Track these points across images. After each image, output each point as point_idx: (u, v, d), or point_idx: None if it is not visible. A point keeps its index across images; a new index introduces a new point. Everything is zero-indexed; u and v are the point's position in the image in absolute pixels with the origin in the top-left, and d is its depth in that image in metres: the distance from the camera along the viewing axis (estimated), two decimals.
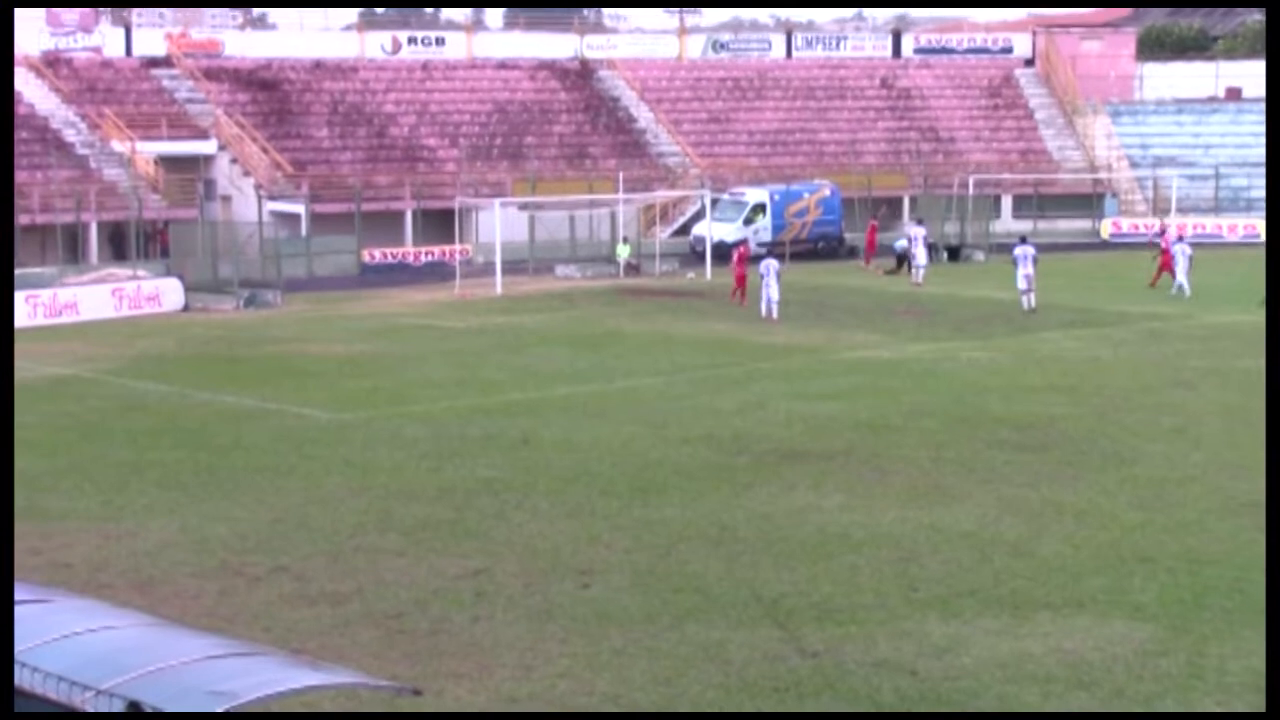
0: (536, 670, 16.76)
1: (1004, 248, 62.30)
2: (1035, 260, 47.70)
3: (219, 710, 11.14)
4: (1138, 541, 21.33)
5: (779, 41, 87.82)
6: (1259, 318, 45.23)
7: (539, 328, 45.14)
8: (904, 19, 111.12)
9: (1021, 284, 47.55)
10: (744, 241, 58.44)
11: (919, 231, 57.75)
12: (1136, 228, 76.18)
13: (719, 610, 18.57)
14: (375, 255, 62.18)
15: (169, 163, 64.63)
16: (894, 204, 75.35)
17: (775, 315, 45.94)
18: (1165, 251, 53.45)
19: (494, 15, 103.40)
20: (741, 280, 50.30)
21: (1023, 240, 50.34)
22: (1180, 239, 49.60)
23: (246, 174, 66.36)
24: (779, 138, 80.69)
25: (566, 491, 24.51)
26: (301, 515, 23.31)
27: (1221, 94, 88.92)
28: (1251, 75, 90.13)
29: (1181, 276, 50.54)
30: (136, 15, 77.60)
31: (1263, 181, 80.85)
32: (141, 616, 14.18)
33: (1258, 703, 15.51)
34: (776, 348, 40.16)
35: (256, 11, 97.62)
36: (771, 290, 46.50)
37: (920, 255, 56.76)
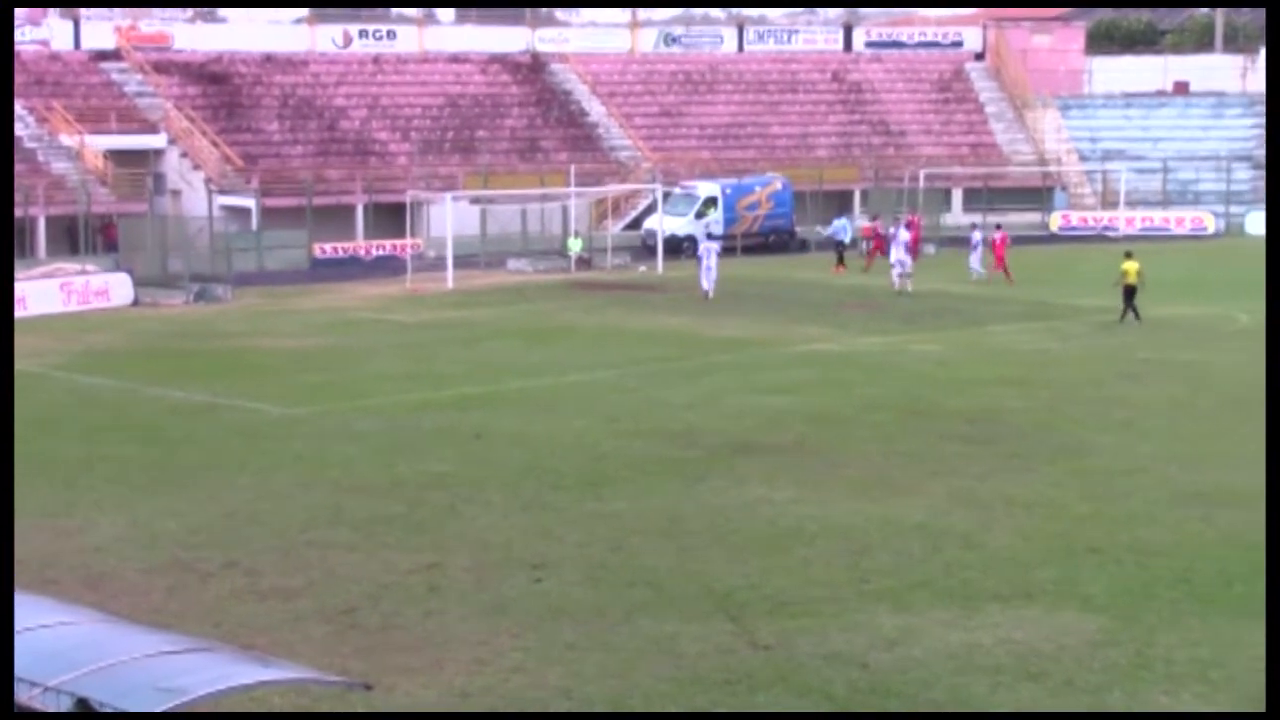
0: (488, 665, 16.76)
1: (955, 240, 62.63)
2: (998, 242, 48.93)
3: (168, 707, 11.10)
4: (1087, 533, 21.46)
5: (730, 35, 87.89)
6: (1203, 310, 45.56)
7: (491, 322, 45.10)
8: (855, 13, 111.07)
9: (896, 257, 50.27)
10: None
11: (981, 234, 54.64)
12: (1085, 221, 76.62)
13: (671, 604, 18.60)
14: (326, 249, 61.94)
15: (118, 156, 64.22)
16: (845, 197, 75.47)
17: (711, 293, 48.64)
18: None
19: (445, 9, 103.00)
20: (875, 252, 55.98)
21: (974, 227, 51.24)
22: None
23: (196, 168, 66.00)
24: (730, 131, 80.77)
25: (519, 485, 24.51)
26: (252, 510, 23.24)
27: (1169, 88, 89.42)
28: (1198, 69, 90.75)
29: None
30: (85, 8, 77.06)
31: (1211, 175, 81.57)
32: (91, 613, 14.12)
33: (1205, 693, 15.64)
34: (728, 341, 40.22)
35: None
36: (710, 271, 49.08)
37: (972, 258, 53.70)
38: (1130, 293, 43.46)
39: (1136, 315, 43.07)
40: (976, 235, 54.55)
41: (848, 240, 60.87)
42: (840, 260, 59.22)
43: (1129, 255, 44.63)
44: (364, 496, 23.98)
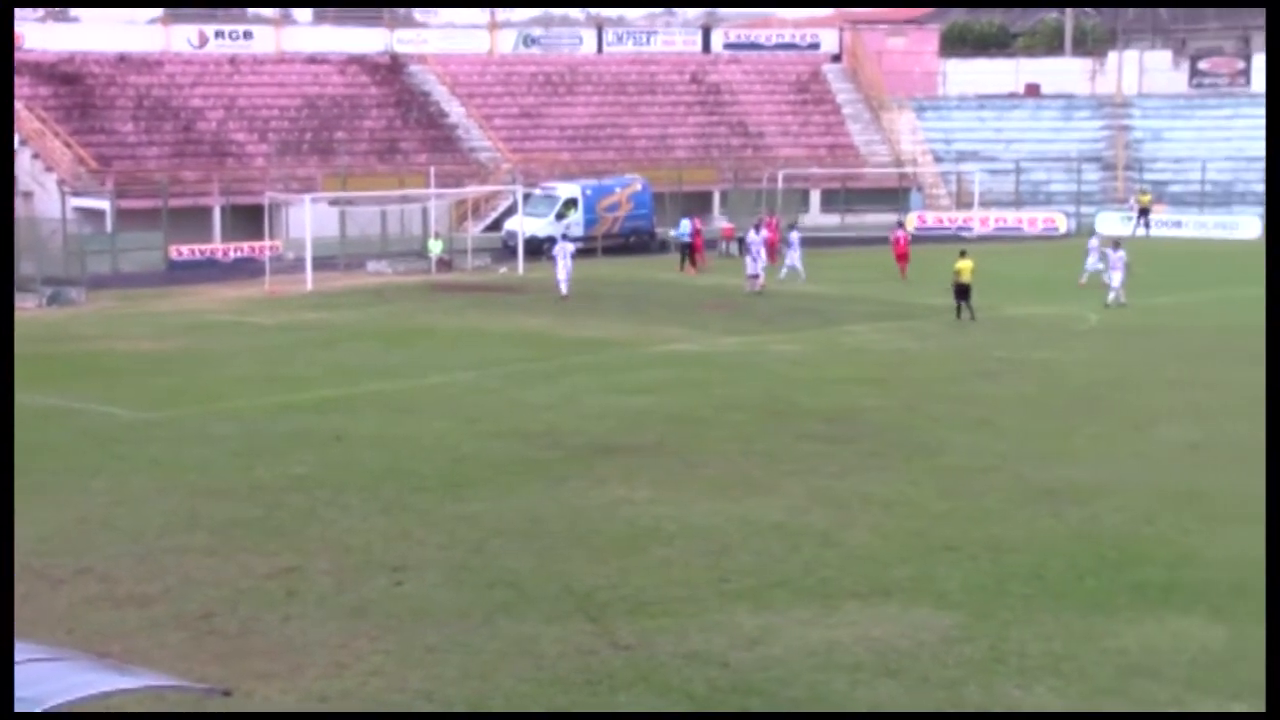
0: (348, 668, 16.68)
1: (812, 242, 63.09)
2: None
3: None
4: (943, 530, 21.74)
5: (590, 36, 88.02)
6: (1055, 309, 46.32)
7: (350, 324, 44.83)
8: (713, 15, 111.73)
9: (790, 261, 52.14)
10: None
11: (1119, 255, 48.81)
12: (941, 221, 77.55)
13: (531, 605, 18.62)
14: (183, 252, 61.24)
15: None
16: (704, 198, 75.84)
17: (566, 291, 49.63)
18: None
19: (303, 9, 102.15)
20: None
21: (791, 227, 52.63)
22: (1117, 246, 49.13)
23: (49, 169, 64.97)
24: (590, 132, 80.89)
25: (378, 488, 24.40)
26: (107, 515, 22.94)
27: (1021, 90, 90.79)
28: (1049, 72, 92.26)
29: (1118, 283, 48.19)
30: None
31: (1062, 176, 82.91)
32: None
33: (1058, 686, 15.90)
34: (588, 342, 40.29)
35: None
36: (564, 271, 50.10)
37: (1115, 278, 48.30)
38: (964, 291, 44.33)
39: (971, 314, 43.81)
40: (1093, 241, 55.42)
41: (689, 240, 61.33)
42: (686, 261, 59.52)
43: (963, 254, 45.52)
44: (221, 500, 23.75)
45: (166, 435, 28.76)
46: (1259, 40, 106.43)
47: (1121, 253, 47.95)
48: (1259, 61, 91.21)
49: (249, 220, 63.16)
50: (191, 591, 19.33)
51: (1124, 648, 16.89)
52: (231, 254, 62.15)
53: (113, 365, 37.42)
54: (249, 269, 58.74)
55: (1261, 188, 79.42)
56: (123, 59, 73.90)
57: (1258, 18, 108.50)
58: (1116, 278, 47.52)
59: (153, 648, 17.31)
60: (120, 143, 69.73)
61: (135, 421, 30.10)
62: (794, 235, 56.59)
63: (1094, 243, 54.99)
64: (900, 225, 61.95)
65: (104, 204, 62.86)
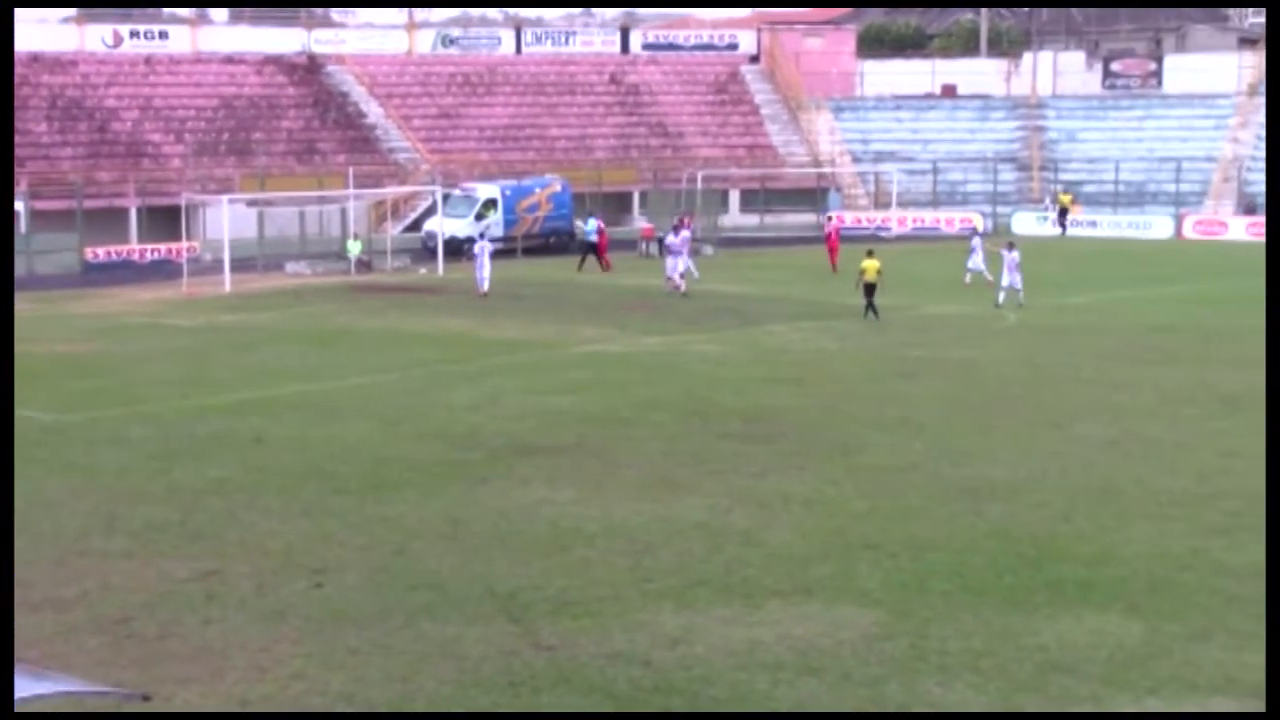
0: (269, 672, 16.59)
1: (732, 242, 63.36)
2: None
3: None
4: (863, 528, 21.84)
5: (508, 37, 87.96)
6: (973, 308, 46.65)
7: (269, 325, 44.58)
8: (632, 15, 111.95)
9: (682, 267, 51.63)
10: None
11: (1012, 256, 48.41)
12: (859, 221, 77.95)
13: (453, 606, 18.57)
14: (99, 253, 60.73)
15: None
16: (624, 199, 75.92)
17: (485, 289, 50.51)
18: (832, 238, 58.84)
19: (219, 9, 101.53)
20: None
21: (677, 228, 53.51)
22: (1011, 246, 49.34)
23: None
24: (509, 133, 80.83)
25: (299, 490, 24.27)
26: (23, 520, 22.67)
27: (938, 91, 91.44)
28: (965, 73, 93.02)
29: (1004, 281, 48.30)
30: None
31: (978, 176, 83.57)
32: None
33: (977, 683, 16.02)
34: (509, 342, 40.23)
35: None
36: (484, 270, 50.76)
37: (1008, 278, 47.98)
38: (870, 290, 44.76)
39: (875, 313, 44.18)
40: (976, 240, 55.56)
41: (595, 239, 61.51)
42: (586, 260, 59.62)
43: (870, 254, 46.02)
44: (139, 504, 23.55)
45: (83, 438, 28.50)
46: (1170, 42, 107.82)
47: (1015, 253, 48.09)
48: (1170, 63, 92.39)
49: (166, 221, 62.73)
50: (109, 596, 19.16)
51: (1043, 644, 17.03)
52: (148, 255, 61.68)
53: (29, 368, 36.99)
54: (166, 271, 58.30)
55: (1173, 188, 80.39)
56: (35, 59, 73.20)
57: (1169, 19, 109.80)
58: (1008, 278, 47.51)
59: (70, 652, 17.15)
60: (34, 143, 69.07)
61: (51, 424, 29.80)
62: (976, 240, 56.09)
63: (976, 242, 55.29)
64: (830, 218, 62.59)
65: (18, 205, 62.21)
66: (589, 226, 61.34)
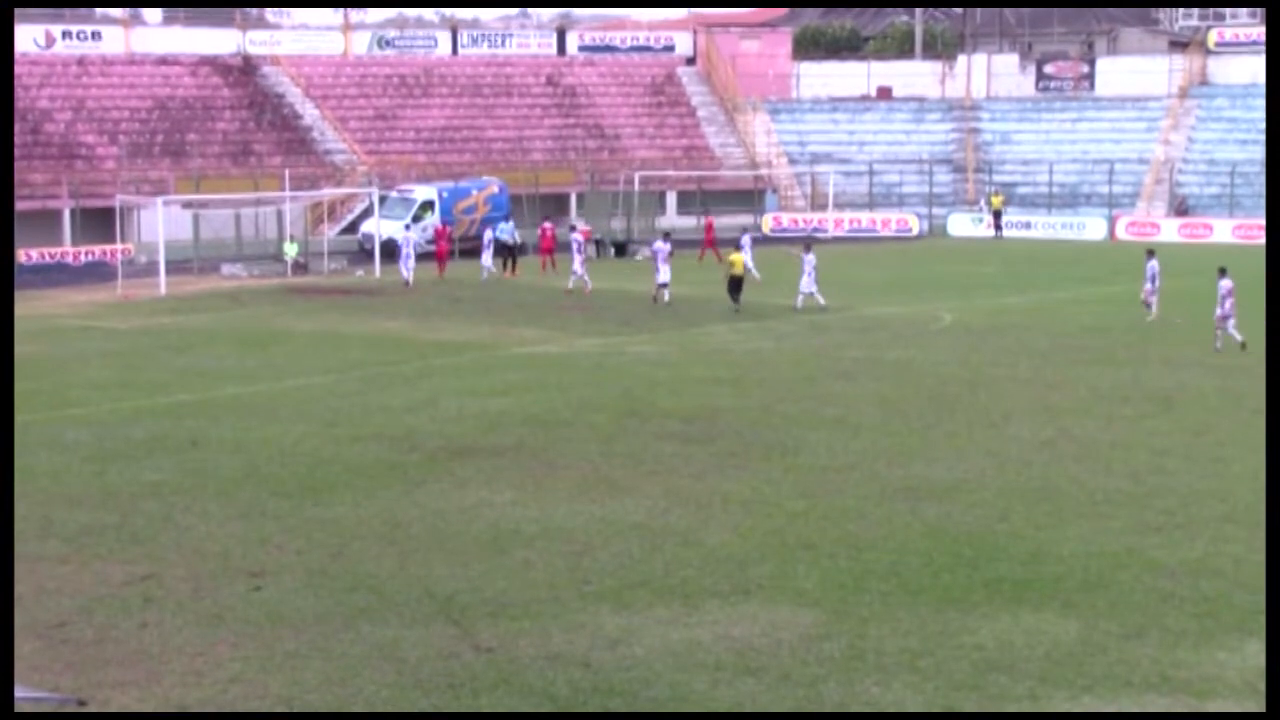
0: (207, 675, 16.52)
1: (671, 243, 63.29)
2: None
3: None
4: (801, 529, 21.92)
5: (445, 39, 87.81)
6: (910, 309, 46.89)
7: (205, 328, 44.36)
8: (568, 17, 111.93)
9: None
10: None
11: (809, 259, 48.11)
12: (796, 222, 78.21)
13: (392, 609, 18.54)
14: (32, 255, 60.27)
15: None
16: (561, 200, 75.90)
17: (409, 280, 54.13)
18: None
19: (152, 10, 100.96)
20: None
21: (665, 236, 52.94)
22: (807, 249, 49.20)
23: None
24: (446, 135, 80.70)
25: (236, 493, 24.16)
26: None
27: (873, 93, 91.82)
28: (900, 75, 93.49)
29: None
30: None
31: (914, 177, 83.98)
32: None
33: (914, 682, 16.11)
34: (446, 344, 40.18)
35: None
36: (409, 259, 54.65)
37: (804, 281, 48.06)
38: (736, 284, 47.03)
39: (737, 307, 46.34)
40: (745, 238, 55.81)
41: (516, 242, 61.52)
42: (511, 265, 59.60)
43: (738, 248, 49.42)
44: (74, 507, 23.40)
45: (17, 442, 28.21)
46: (1102, 45, 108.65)
47: (811, 255, 47.92)
48: (1103, 65, 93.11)
49: (99, 223, 62.33)
50: (45, 600, 19.03)
51: (980, 643, 17.14)
52: (82, 258, 61.28)
53: None
54: (100, 273, 57.91)
55: (1106, 189, 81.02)
56: None
57: (1101, 22, 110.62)
58: (805, 281, 47.37)
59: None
60: None
61: None
62: (575, 236, 56.56)
63: (745, 240, 54.51)
64: (707, 211, 65.15)
65: None
66: (502, 229, 61.65)
